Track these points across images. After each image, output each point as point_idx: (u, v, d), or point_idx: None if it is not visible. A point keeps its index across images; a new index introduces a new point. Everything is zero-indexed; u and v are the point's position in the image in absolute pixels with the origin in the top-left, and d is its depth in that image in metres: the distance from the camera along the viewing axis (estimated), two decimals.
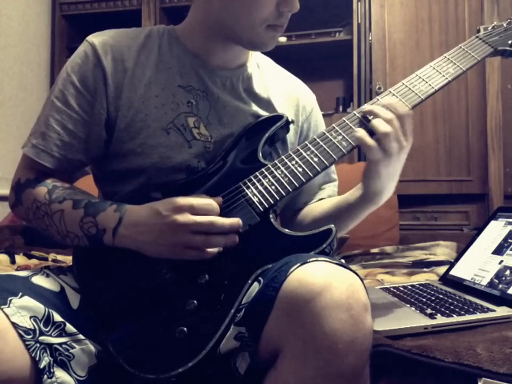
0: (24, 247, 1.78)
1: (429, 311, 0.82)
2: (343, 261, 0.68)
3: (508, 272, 0.91)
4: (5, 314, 0.64)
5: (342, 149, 0.80)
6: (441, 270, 1.30)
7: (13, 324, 0.64)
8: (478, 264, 1.00)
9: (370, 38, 2.42)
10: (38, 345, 0.65)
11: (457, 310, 0.82)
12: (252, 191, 0.78)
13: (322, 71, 2.74)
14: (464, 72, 0.87)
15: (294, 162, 0.80)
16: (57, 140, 0.82)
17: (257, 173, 0.80)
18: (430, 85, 0.84)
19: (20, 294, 0.68)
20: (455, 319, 0.78)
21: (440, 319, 0.78)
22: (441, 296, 0.93)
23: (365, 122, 0.80)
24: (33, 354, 0.64)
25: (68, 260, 1.57)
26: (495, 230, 1.04)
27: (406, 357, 0.71)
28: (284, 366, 0.62)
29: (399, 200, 2.06)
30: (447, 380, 0.69)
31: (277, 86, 0.96)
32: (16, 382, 0.63)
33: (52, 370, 0.66)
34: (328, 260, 0.65)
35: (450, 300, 0.89)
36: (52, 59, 2.79)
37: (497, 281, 0.91)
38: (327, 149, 0.80)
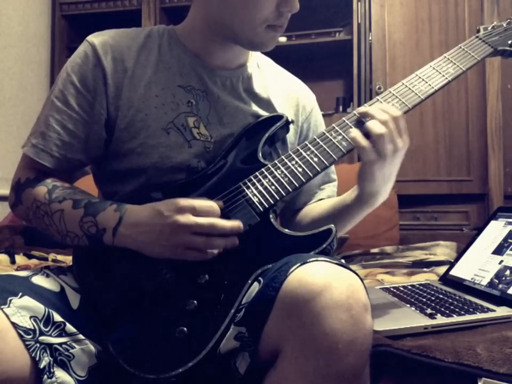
0: (24, 247, 1.78)
1: (429, 311, 0.82)
2: (343, 261, 0.68)
3: (507, 272, 0.91)
4: (5, 314, 0.64)
5: (342, 149, 0.79)
6: (441, 270, 1.30)
7: (13, 324, 0.64)
8: (478, 264, 1.00)
9: (370, 38, 2.42)
10: (38, 345, 0.65)
11: (457, 310, 0.82)
12: (252, 191, 0.78)
13: (322, 71, 2.74)
14: (464, 72, 0.87)
15: (294, 162, 0.80)
16: (57, 140, 0.82)
17: (257, 173, 0.80)
18: (429, 85, 0.84)
19: (20, 294, 0.68)
20: (455, 319, 0.78)
21: (440, 319, 0.78)
22: (441, 296, 0.93)
23: (363, 123, 0.80)
24: (33, 354, 0.64)
25: (68, 260, 1.57)
26: (495, 230, 1.04)
27: (406, 357, 0.71)
28: (283, 366, 0.62)
29: (399, 200, 2.06)
30: (447, 380, 0.70)
31: (277, 86, 0.96)
32: (16, 382, 0.63)
33: (51, 370, 0.66)
34: (328, 259, 0.65)
35: (450, 300, 0.89)
36: (52, 59, 2.79)
37: (497, 281, 0.91)
38: (327, 149, 0.80)
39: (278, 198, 0.77)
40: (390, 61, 2.40)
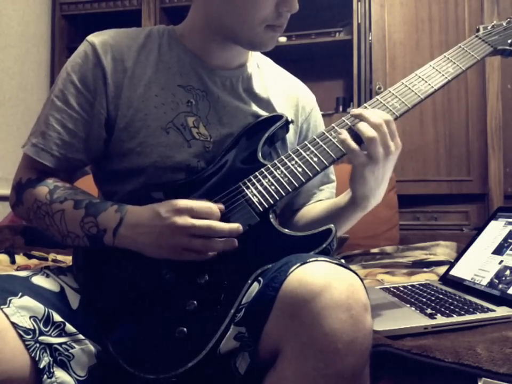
0: (24, 247, 1.78)
1: (429, 311, 0.82)
2: (343, 261, 0.68)
3: (507, 272, 0.91)
4: (5, 314, 0.64)
5: (342, 149, 0.79)
6: (441, 270, 1.29)
7: (13, 324, 0.64)
8: (478, 264, 1.00)
9: (370, 38, 2.42)
10: (37, 345, 0.65)
11: (457, 310, 0.82)
12: (252, 191, 0.78)
13: (322, 71, 2.74)
14: (463, 72, 0.87)
15: (293, 162, 0.80)
16: (57, 139, 0.82)
17: (256, 173, 0.80)
18: (429, 84, 0.84)
19: (20, 294, 0.68)
20: (455, 319, 0.78)
21: (440, 319, 0.78)
22: (441, 296, 0.93)
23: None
24: (33, 354, 0.64)
25: (67, 260, 1.57)
26: (495, 230, 1.04)
27: (406, 357, 0.70)
28: (283, 366, 0.62)
29: (399, 200, 2.06)
30: (447, 380, 0.69)
31: (277, 86, 0.96)
32: (16, 382, 0.63)
33: (51, 370, 0.66)
34: (328, 259, 0.65)
35: (450, 300, 0.89)
36: (52, 59, 2.79)
37: (497, 281, 0.91)
38: (326, 149, 0.80)
39: (277, 198, 0.77)
40: (390, 61, 2.40)
